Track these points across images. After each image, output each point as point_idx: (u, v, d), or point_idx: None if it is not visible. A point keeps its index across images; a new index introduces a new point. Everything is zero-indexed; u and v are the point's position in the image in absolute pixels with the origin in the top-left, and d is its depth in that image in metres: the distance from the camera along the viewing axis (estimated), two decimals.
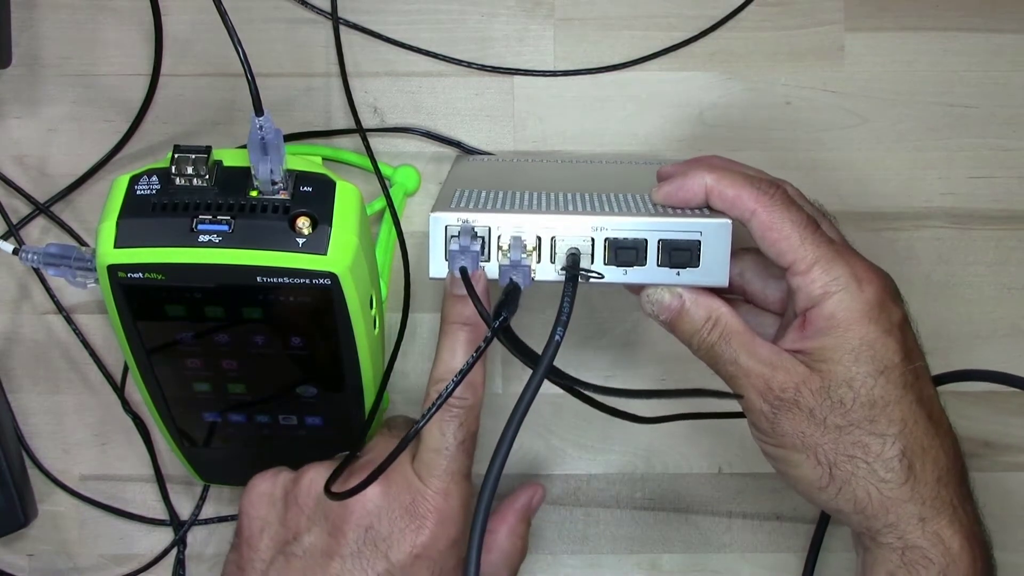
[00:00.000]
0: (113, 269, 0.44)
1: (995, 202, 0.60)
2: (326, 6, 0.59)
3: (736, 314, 0.47)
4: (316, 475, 0.49)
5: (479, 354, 0.44)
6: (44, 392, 0.60)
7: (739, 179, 0.46)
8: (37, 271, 0.59)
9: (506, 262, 0.45)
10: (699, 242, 0.45)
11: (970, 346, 0.60)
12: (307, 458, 0.55)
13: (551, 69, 0.60)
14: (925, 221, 0.60)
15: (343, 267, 0.44)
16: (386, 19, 0.60)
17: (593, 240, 0.45)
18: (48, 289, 0.59)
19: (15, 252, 0.48)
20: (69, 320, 0.58)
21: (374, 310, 0.49)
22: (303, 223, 0.44)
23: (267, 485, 0.50)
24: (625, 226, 0.45)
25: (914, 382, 0.47)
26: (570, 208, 0.47)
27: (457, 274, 0.45)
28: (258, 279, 0.44)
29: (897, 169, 0.60)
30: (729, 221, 0.46)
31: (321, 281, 0.44)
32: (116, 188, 0.45)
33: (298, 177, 0.45)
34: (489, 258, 0.46)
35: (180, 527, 0.59)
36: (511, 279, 0.45)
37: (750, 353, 0.46)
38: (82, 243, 0.59)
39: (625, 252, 0.46)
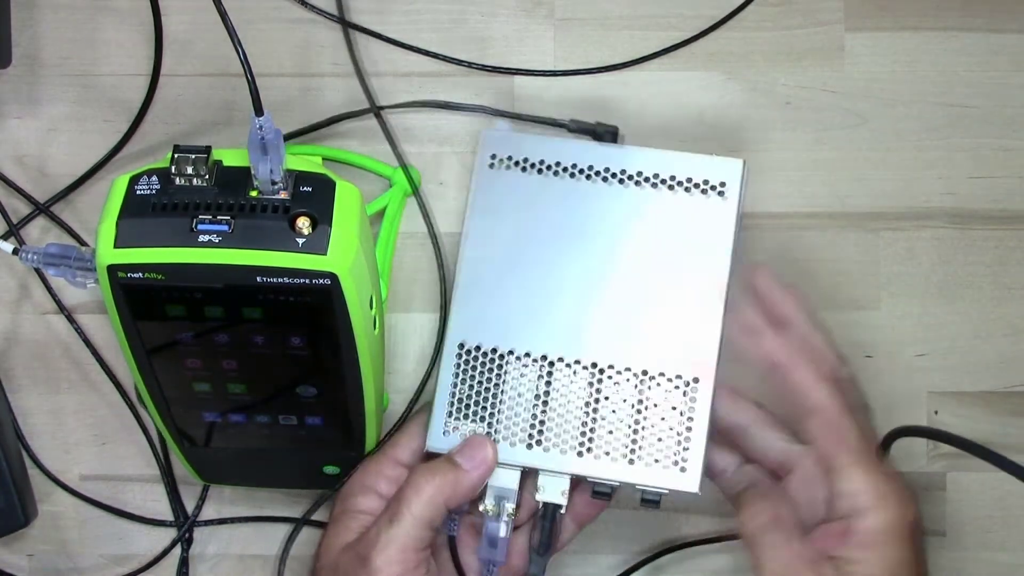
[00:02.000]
0: (113, 269, 0.44)
1: (995, 202, 0.60)
2: (323, 6, 0.59)
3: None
4: None
5: None
6: (44, 392, 0.60)
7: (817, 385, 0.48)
8: (37, 271, 0.59)
9: (487, 528, 0.51)
10: (665, 494, 0.51)
11: (970, 346, 0.60)
12: (307, 458, 0.55)
13: (551, 69, 0.60)
14: (925, 221, 0.60)
15: (343, 267, 0.44)
16: (386, 19, 0.60)
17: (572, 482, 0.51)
18: (49, 289, 0.59)
19: (15, 252, 0.48)
20: (70, 320, 0.58)
21: (374, 310, 0.49)
22: (303, 223, 0.44)
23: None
24: (604, 477, 0.51)
25: None
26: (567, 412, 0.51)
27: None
28: (258, 279, 0.44)
29: (897, 169, 0.60)
30: (698, 491, 0.50)
31: (321, 281, 0.44)
32: (116, 188, 0.45)
33: (298, 177, 0.45)
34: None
35: (183, 525, 0.59)
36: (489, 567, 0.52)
37: (794, 551, 0.46)
38: (82, 243, 0.59)
39: (600, 494, 0.51)
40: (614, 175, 0.53)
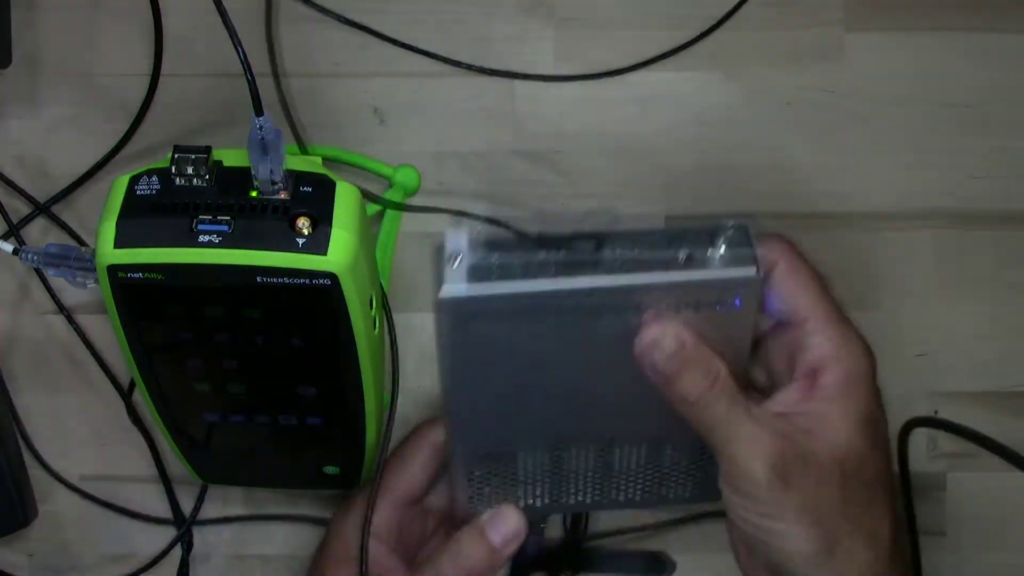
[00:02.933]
0: (113, 269, 0.44)
1: (995, 202, 0.60)
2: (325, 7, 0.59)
3: (727, 368, 0.43)
4: None
5: None
6: (45, 392, 0.60)
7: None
8: (37, 271, 0.59)
9: None
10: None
11: (971, 346, 0.60)
12: (307, 458, 0.55)
13: (551, 71, 0.60)
14: (925, 221, 0.60)
15: (343, 267, 0.44)
16: (386, 19, 0.60)
17: None
18: (49, 289, 0.59)
19: (15, 252, 0.48)
20: (70, 320, 0.58)
21: (374, 310, 0.49)
22: (303, 223, 0.44)
23: None
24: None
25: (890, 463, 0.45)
26: None
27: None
28: (258, 279, 0.44)
29: (897, 169, 0.60)
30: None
31: (321, 281, 0.44)
32: (116, 188, 0.45)
33: (298, 177, 0.45)
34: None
35: (183, 525, 0.59)
36: None
37: (753, 417, 0.42)
38: (82, 243, 0.59)
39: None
40: (602, 307, 0.43)
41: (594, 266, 0.41)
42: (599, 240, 0.42)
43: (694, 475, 0.50)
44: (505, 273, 0.41)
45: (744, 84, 0.60)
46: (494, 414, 0.47)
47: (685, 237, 0.42)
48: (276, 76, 0.58)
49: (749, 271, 0.41)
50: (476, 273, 0.41)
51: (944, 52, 0.60)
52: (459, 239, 0.41)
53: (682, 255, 0.41)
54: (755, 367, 0.47)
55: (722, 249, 0.41)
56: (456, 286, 0.41)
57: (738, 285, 0.42)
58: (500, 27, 0.60)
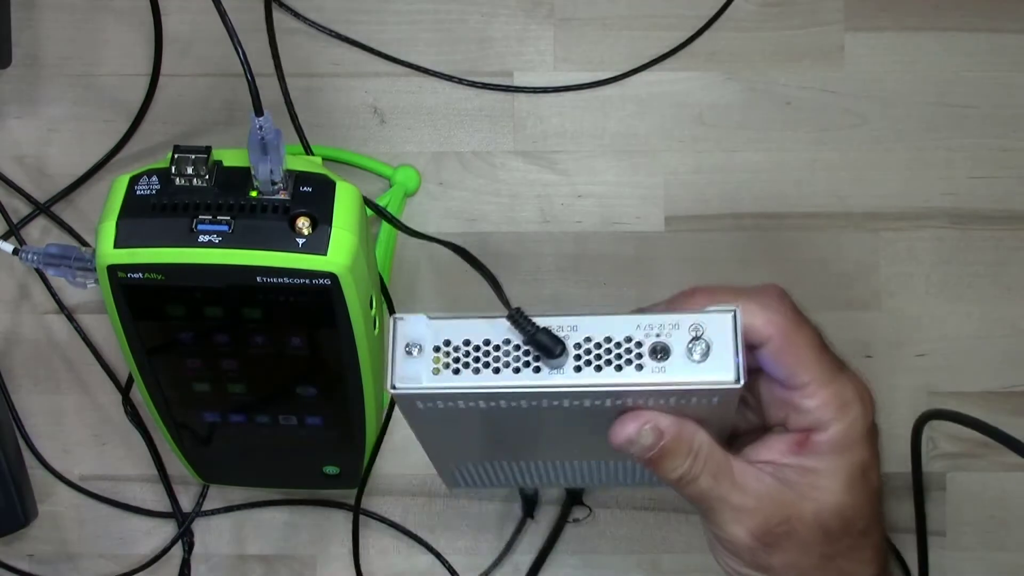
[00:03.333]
0: (113, 269, 0.44)
1: (995, 202, 0.60)
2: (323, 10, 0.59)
3: (709, 437, 0.41)
4: None
5: None
6: (44, 392, 0.60)
7: (747, 303, 0.40)
8: (37, 271, 0.59)
9: None
10: None
11: (970, 346, 0.60)
12: (307, 458, 0.55)
13: (551, 71, 0.60)
14: (925, 221, 0.60)
15: (343, 267, 0.44)
16: (386, 19, 0.60)
17: None
18: (49, 289, 0.59)
19: (15, 252, 0.48)
20: (70, 320, 0.58)
21: (374, 310, 0.49)
22: (303, 223, 0.43)
23: None
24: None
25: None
26: None
27: None
28: (258, 279, 0.44)
29: (897, 169, 0.60)
30: None
31: (321, 281, 0.44)
32: (116, 188, 0.45)
33: (298, 177, 0.45)
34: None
35: (184, 521, 0.59)
36: None
37: (738, 487, 0.41)
38: (82, 243, 0.59)
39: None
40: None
41: (560, 363, 0.37)
42: (568, 330, 0.37)
43: None
44: (465, 366, 0.37)
45: (744, 84, 0.60)
46: (464, 449, 0.45)
47: (661, 331, 0.37)
48: (280, 77, 0.58)
49: (728, 377, 0.37)
50: (433, 369, 0.37)
51: (944, 52, 0.60)
52: (418, 326, 0.38)
53: (657, 355, 0.37)
54: (747, 397, 0.45)
55: (699, 351, 0.37)
56: (410, 380, 0.37)
57: (717, 391, 0.38)
58: (500, 27, 0.60)
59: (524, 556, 0.59)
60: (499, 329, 0.37)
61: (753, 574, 0.43)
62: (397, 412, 0.57)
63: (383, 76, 0.60)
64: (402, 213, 0.59)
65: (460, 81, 0.60)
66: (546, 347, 0.36)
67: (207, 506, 0.59)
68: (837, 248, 0.60)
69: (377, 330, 0.50)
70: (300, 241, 0.43)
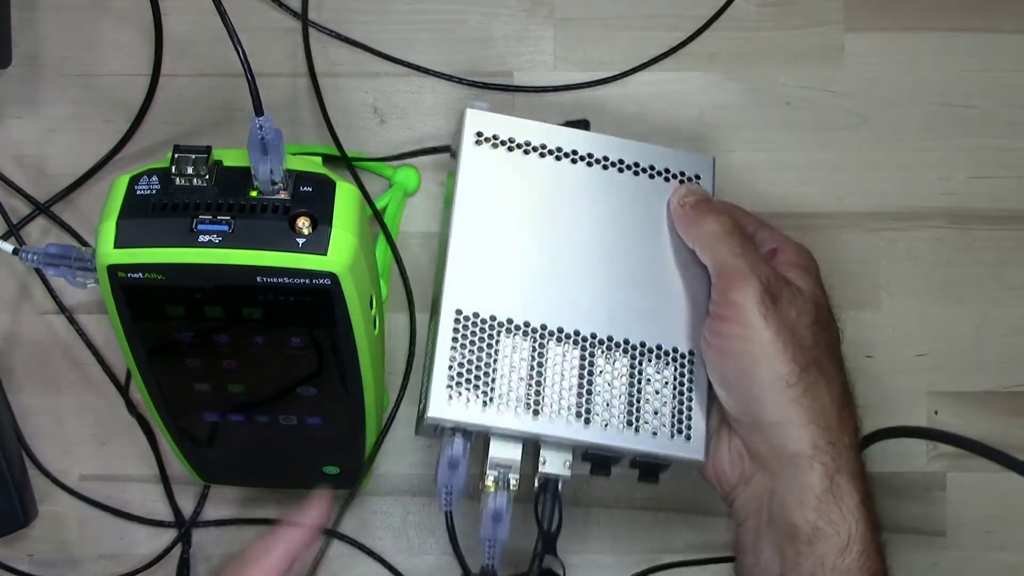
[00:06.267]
0: (113, 269, 0.44)
1: (995, 202, 0.60)
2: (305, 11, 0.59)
3: None
4: None
5: None
6: (44, 392, 0.60)
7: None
8: (37, 271, 0.59)
9: (489, 504, 0.50)
10: (668, 465, 0.51)
11: (970, 346, 0.60)
12: (307, 458, 0.55)
13: (551, 71, 0.60)
14: (925, 221, 0.60)
15: (343, 267, 0.44)
16: (386, 19, 0.60)
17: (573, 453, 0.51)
18: (49, 289, 0.59)
19: (15, 252, 0.48)
20: (71, 320, 0.58)
21: (374, 310, 0.49)
22: (303, 223, 0.44)
23: None
24: (609, 445, 0.50)
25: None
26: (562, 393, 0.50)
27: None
28: (258, 279, 0.44)
29: (897, 169, 0.60)
30: (703, 459, 0.50)
31: (321, 281, 0.44)
32: (116, 188, 0.45)
33: (298, 177, 0.45)
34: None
35: (183, 527, 0.59)
36: (489, 565, 0.51)
37: (752, 249, 0.49)
38: (82, 243, 0.59)
39: (599, 467, 0.52)
40: (597, 160, 0.53)
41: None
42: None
43: (672, 416, 0.50)
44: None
45: (744, 84, 0.60)
46: (493, 265, 0.51)
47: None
48: (313, 78, 0.58)
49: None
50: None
51: (944, 52, 0.60)
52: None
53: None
54: None
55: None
56: (481, 106, 0.53)
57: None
58: (500, 27, 0.60)
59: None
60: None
61: (747, 347, 0.47)
62: (398, 412, 0.57)
63: (383, 76, 0.60)
64: (402, 213, 0.59)
65: (460, 81, 0.60)
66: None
67: (208, 506, 0.59)
68: (837, 248, 0.60)
69: (377, 330, 0.50)
70: (300, 241, 0.43)
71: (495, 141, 0.52)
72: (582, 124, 0.55)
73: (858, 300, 0.60)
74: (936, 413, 0.60)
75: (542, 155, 0.53)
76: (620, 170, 0.53)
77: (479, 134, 0.52)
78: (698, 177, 0.53)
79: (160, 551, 0.60)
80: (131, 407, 0.58)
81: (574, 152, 0.53)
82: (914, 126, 0.60)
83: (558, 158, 0.53)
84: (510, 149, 0.53)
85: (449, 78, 0.60)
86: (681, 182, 0.53)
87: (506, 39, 0.60)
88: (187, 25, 0.59)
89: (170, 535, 0.60)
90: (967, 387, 0.60)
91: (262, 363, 0.48)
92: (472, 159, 0.52)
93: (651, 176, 0.53)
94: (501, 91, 0.60)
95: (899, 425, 0.52)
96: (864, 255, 0.60)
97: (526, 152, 0.53)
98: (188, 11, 0.59)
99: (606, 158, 0.53)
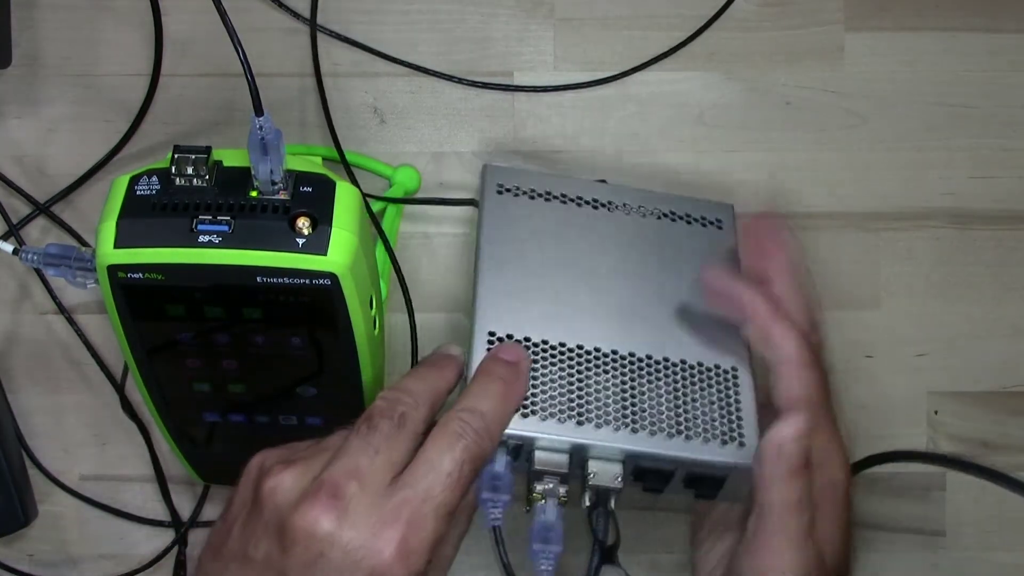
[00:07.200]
0: (113, 269, 0.44)
1: (995, 202, 0.60)
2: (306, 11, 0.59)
3: None
4: (281, 481, 0.42)
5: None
6: (44, 392, 0.60)
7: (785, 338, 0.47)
8: (37, 271, 0.59)
9: (540, 518, 0.48)
10: (724, 478, 0.48)
11: (970, 346, 0.60)
12: None
13: (551, 71, 0.60)
14: (925, 221, 0.60)
15: (343, 267, 0.44)
16: (386, 19, 0.60)
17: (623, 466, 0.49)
18: (48, 289, 0.59)
19: (15, 252, 0.48)
20: (71, 320, 0.58)
21: (374, 310, 0.49)
22: (303, 223, 0.44)
23: (256, 468, 0.44)
24: (653, 456, 0.48)
25: None
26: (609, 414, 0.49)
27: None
28: (258, 279, 0.44)
29: (897, 169, 0.60)
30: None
31: (321, 281, 0.44)
32: (116, 188, 0.45)
33: (298, 177, 0.45)
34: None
35: (180, 528, 0.59)
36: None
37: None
38: (82, 243, 0.59)
39: (652, 480, 0.49)
40: (618, 207, 0.54)
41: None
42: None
43: (723, 425, 0.49)
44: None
45: (744, 84, 0.60)
46: (523, 297, 0.51)
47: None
48: (319, 78, 0.58)
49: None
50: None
51: (944, 52, 0.60)
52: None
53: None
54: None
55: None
56: (501, 164, 0.56)
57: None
58: (500, 27, 0.60)
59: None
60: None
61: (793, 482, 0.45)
62: None
63: (383, 76, 0.60)
64: (402, 213, 0.59)
65: (460, 81, 0.60)
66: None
67: (208, 506, 0.59)
68: (837, 248, 0.60)
69: (377, 330, 0.50)
70: (300, 241, 0.43)
71: (517, 191, 0.54)
72: (600, 183, 0.56)
73: (858, 300, 0.60)
74: (936, 413, 0.60)
75: (564, 203, 0.54)
76: (643, 215, 0.54)
77: (500, 185, 0.54)
78: (719, 222, 0.54)
79: (160, 551, 0.60)
80: (126, 407, 0.58)
81: (595, 200, 0.54)
82: (914, 126, 0.60)
83: (580, 205, 0.54)
84: (532, 198, 0.54)
85: (449, 78, 0.60)
86: (704, 226, 0.54)
87: (506, 39, 0.60)
88: (187, 25, 0.59)
89: (170, 535, 0.60)
90: (967, 387, 0.60)
91: (262, 363, 0.48)
92: (496, 200, 0.54)
93: (673, 220, 0.54)
94: (501, 91, 0.60)
95: (892, 450, 0.52)
96: (864, 255, 0.60)
97: (548, 200, 0.54)
98: (188, 11, 0.59)
99: (626, 205, 0.54)
